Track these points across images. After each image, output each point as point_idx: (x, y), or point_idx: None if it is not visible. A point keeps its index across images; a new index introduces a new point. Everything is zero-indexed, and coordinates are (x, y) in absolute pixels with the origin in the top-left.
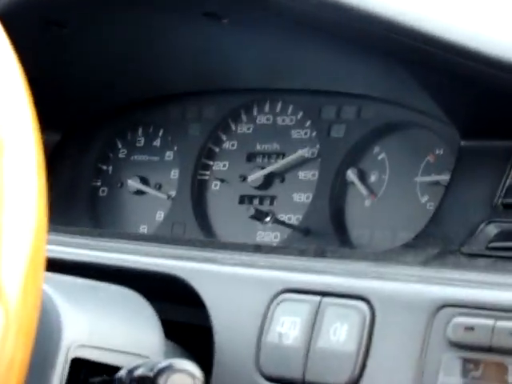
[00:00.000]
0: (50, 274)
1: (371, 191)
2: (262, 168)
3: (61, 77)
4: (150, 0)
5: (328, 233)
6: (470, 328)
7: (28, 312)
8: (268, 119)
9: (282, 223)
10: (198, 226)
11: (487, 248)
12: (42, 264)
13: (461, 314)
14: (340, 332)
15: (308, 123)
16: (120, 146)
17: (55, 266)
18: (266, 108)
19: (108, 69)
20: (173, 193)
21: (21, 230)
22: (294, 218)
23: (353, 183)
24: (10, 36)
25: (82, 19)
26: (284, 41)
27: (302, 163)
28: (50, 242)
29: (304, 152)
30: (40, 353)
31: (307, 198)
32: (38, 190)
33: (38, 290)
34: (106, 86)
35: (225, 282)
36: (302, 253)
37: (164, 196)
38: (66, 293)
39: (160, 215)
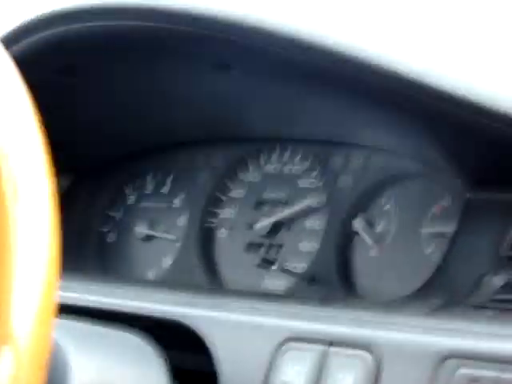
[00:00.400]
0: (58, 320)
1: (377, 241)
2: (270, 215)
3: (70, 125)
4: (157, 49)
5: (334, 282)
6: (475, 380)
7: (38, 359)
8: (275, 168)
9: (288, 271)
10: (204, 273)
11: (492, 300)
12: (53, 310)
13: (466, 366)
14: (346, 382)
15: (315, 172)
16: (129, 192)
17: (63, 311)
18: (274, 157)
19: (119, 117)
20: (180, 239)
21: (33, 276)
22: (299, 267)
23: (359, 233)
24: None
25: (91, 68)
26: (292, 90)
27: (308, 212)
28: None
29: (311, 201)
30: None
31: (313, 246)
32: (51, 235)
33: (48, 336)
34: (117, 133)
35: (230, 329)
36: (307, 301)
37: (171, 242)
38: (73, 339)
39: (167, 261)
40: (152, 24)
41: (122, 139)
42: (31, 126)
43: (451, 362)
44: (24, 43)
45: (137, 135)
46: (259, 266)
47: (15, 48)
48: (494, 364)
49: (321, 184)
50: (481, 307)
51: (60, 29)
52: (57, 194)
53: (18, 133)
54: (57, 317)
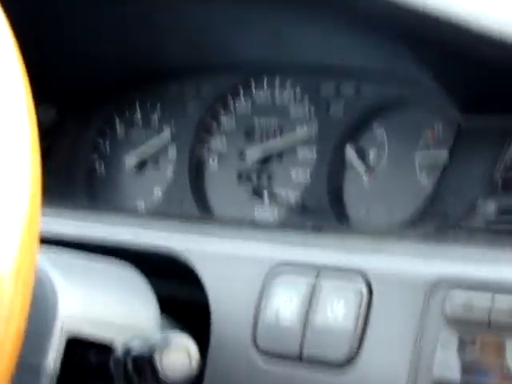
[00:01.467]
0: (45, 249)
1: (369, 169)
2: (261, 145)
3: (57, 52)
4: None
5: (326, 210)
6: (468, 304)
7: (22, 285)
8: (266, 97)
9: (280, 201)
10: (195, 203)
11: (486, 223)
12: (37, 237)
13: (458, 291)
14: (337, 308)
15: (306, 100)
16: (118, 123)
17: (51, 240)
18: (264, 85)
19: (106, 44)
20: (170, 170)
21: (16, 204)
22: (291, 196)
23: (351, 160)
24: (5, 8)
25: None
26: (281, 15)
27: (299, 141)
28: (46, 217)
29: (302, 131)
30: (36, 327)
31: (305, 176)
32: (32, 161)
33: (33, 263)
34: (104, 61)
35: (222, 257)
36: (298, 229)
37: (162, 173)
38: (61, 267)
39: (158, 192)
40: None
41: (109, 68)
42: (10, 56)
43: (444, 287)
44: None
45: (124, 64)
46: (251, 196)
47: None
48: (487, 288)
49: (312, 113)
50: (473, 231)
51: None
52: (42, 124)
53: None
54: (44, 245)
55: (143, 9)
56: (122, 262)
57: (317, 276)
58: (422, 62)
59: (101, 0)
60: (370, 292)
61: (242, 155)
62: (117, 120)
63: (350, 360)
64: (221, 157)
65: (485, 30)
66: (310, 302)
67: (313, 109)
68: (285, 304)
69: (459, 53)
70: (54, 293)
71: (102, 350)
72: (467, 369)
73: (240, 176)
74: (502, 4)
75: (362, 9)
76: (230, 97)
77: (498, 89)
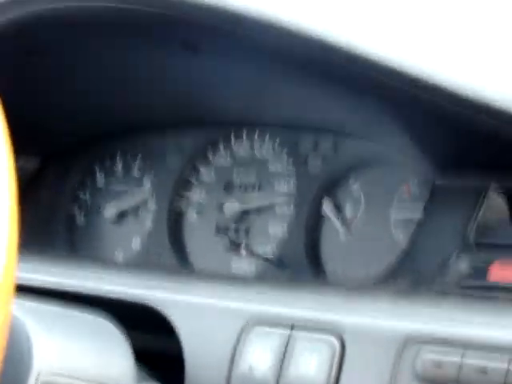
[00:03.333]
0: (21, 301)
1: (346, 225)
2: (239, 199)
3: (40, 104)
4: (126, 29)
5: (302, 265)
6: (438, 364)
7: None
8: (245, 152)
9: (257, 255)
10: (174, 256)
11: (458, 286)
12: (12, 291)
13: (429, 350)
14: (310, 362)
15: (285, 157)
16: (98, 174)
17: (27, 292)
18: (244, 140)
19: (88, 98)
20: (149, 222)
21: None
22: (268, 250)
23: (328, 217)
24: None
25: (61, 49)
26: (260, 74)
27: (278, 195)
28: (24, 268)
29: (280, 186)
30: (10, 378)
31: (282, 230)
32: (9, 214)
33: (7, 316)
34: (86, 115)
35: (197, 312)
36: (274, 285)
37: (141, 225)
38: (37, 319)
39: (136, 243)
40: (122, 5)
41: (91, 121)
42: None
43: (415, 346)
44: None
45: (106, 117)
46: (228, 249)
47: None
48: (457, 348)
49: (290, 167)
50: (445, 289)
51: (28, 8)
52: (23, 176)
53: None
54: (20, 297)
55: (125, 64)
56: (99, 312)
57: (291, 330)
58: (398, 122)
59: (84, 55)
60: (343, 347)
61: (220, 208)
62: (97, 171)
63: None
64: (200, 209)
65: (461, 92)
66: (284, 355)
67: (291, 163)
68: (259, 357)
69: (435, 114)
70: (29, 344)
71: None
72: None
73: (218, 228)
74: (475, 65)
75: (339, 69)
76: (209, 150)
77: (472, 149)
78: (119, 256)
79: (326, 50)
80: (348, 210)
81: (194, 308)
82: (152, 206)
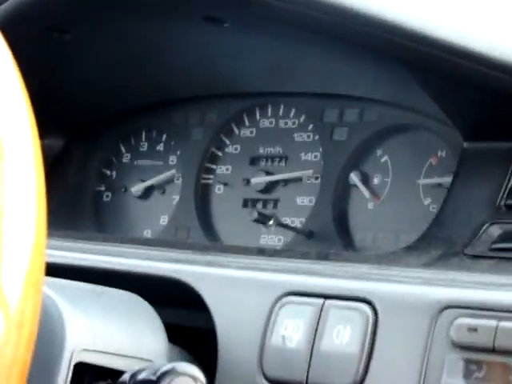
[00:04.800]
0: (53, 279)
1: (374, 194)
2: (266, 171)
3: (63, 82)
4: (148, 3)
5: (331, 236)
6: (473, 329)
7: (29, 316)
8: (271, 123)
9: (285, 226)
10: (201, 230)
11: (490, 249)
12: (43, 268)
13: (463, 315)
14: (343, 334)
15: (310, 126)
16: (123, 150)
17: (59, 271)
18: (269, 112)
19: (110, 74)
20: (176, 197)
21: (21, 234)
22: (297, 222)
23: (356, 186)
24: (12, 43)
25: (83, 25)
26: (285, 44)
27: (304, 167)
28: (53, 248)
29: (306, 158)
30: (44, 357)
31: (310, 201)
32: (37, 193)
33: (39, 293)
34: (109, 91)
35: (228, 285)
36: (304, 256)
37: (168, 200)
38: (69, 297)
39: (164, 219)
40: None
41: (115, 97)
42: (15, 87)
43: (449, 312)
44: (14, 0)
45: (130, 93)
46: (256, 221)
47: (5, 5)
48: (492, 313)
49: (316, 138)
50: (479, 257)
51: None
52: (49, 154)
53: (1, 95)
54: (52, 276)
55: (148, 39)
56: (129, 292)
57: (323, 303)
58: (425, 89)
59: (106, 31)
60: (376, 318)
61: (247, 180)
62: (122, 149)
63: None
64: (226, 184)
65: (488, 53)
66: (316, 328)
67: (317, 133)
68: (291, 330)
69: (463, 80)
70: (62, 323)
71: (110, 377)
72: None
73: (246, 203)
74: (501, 26)
75: (366, 37)
76: (234, 122)
77: (501, 116)
78: (147, 233)
79: (352, 16)
80: (376, 179)
81: (224, 281)
82: (178, 180)
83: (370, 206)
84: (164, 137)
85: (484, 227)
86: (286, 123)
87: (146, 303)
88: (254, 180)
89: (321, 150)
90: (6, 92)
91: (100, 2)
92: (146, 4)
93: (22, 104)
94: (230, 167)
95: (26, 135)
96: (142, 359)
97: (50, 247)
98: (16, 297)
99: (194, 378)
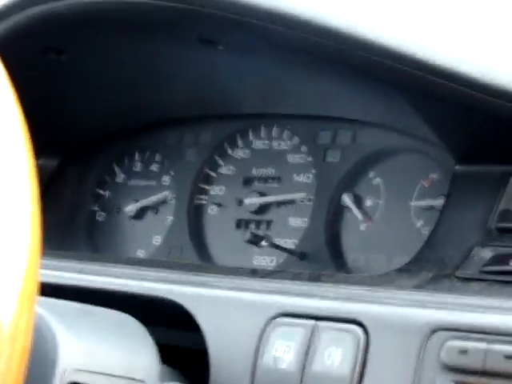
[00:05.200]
0: (46, 299)
1: (366, 216)
2: (259, 192)
3: (59, 103)
4: (144, 24)
5: (324, 257)
6: (464, 351)
7: (22, 329)
8: (264, 144)
9: (278, 247)
10: (194, 250)
11: (481, 272)
12: (37, 281)
13: (454, 338)
14: (334, 356)
15: (304, 148)
16: (117, 171)
17: (52, 290)
18: (262, 133)
19: (106, 95)
20: (170, 217)
21: (15, 247)
22: (290, 243)
23: (348, 208)
24: (7, 62)
25: (79, 45)
26: (279, 66)
27: (297, 189)
28: (47, 267)
29: (300, 179)
30: (36, 376)
31: (303, 222)
32: (31, 213)
33: (32, 307)
34: (104, 111)
35: (220, 305)
36: (297, 277)
37: (161, 220)
38: (62, 317)
39: (157, 240)
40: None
41: (110, 117)
42: (10, 107)
43: (440, 334)
44: (12, 20)
45: (124, 113)
46: (249, 242)
47: (1, 25)
48: (482, 335)
49: (309, 160)
50: (470, 280)
51: (47, 6)
52: (43, 175)
53: None
54: (44, 295)
55: (143, 60)
56: (122, 312)
57: (314, 324)
58: (417, 112)
59: (100, 52)
60: (367, 340)
61: (240, 201)
62: (116, 169)
63: None
64: (220, 204)
65: (479, 78)
66: (308, 349)
67: (310, 155)
68: (282, 352)
69: (455, 103)
70: (54, 343)
71: None
72: None
73: (239, 223)
74: (492, 50)
75: (359, 61)
76: (228, 143)
77: (493, 139)
78: (141, 253)
79: (344, 40)
80: (368, 201)
81: (217, 302)
82: (172, 201)
83: (363, 227)
84: (158, 157)
85: (475, 250)
86: (279, 144)
87: (138, 323)
88: (247, 201)
89: (314, 171)
90: (1, 112)
91: (95, 23)
92: (141, 25)
93: (17, 123)
94: (223, 188)
95: (21, 155)
96: (134, 379)
97: (43, 267)
98: (10, 310)
99: None
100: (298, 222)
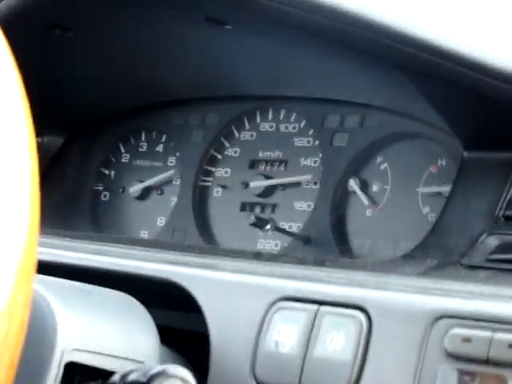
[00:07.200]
0: (46, 278)
1: (373, 201)
2: (265, 175)
3: (64, 81)
4: (151, 2)
5: (328, 242)
6: (467, 339)
7: (19, 306)
8: (271, 127)
9: (283, 231)
10: (198, 233)
11: (487, 260)
12: (35, 257)
13: (458, 326)
14: (337, 341)
15: (311, 131)
16: (123, 150)
17: (52, 269)
18: (270, 115)
19: (111, 74)
20: (174, 199)
21: (13, 223)
22: (294, 226)
23: (354, 193)
24: (12, 40)
25: (85, 23)
26: (287, 48)
27: (304, 172)
28: (48, 246)
29: (306, 163)
30: (34, 356)
31: (308, 206)
32: (30, 188)
33: (30, 283)
34: (110, 90)
35: (222, 288)
36: (301, 261)
37: (166, 201)
38: (61, 296)
39: (161, 221)
40: None
41: (116, 96)
42: (13, 85)
43: (444, 322)
44: None
45: (131, 92)
46: (253, 225)
47: (6, 2)
48: (487, 324)
49: (316, 143)
50: (475, 267)
51: None
52: (47, 153)
53: None
54: (45, 274)
55: (150, 39)
56: (123, 292)
57: (317, 309)
58: (426, 97)
59: (107, 29)
60: (370, 325)
61: (246, 184)
62: (122, 149)
63: None
64: (225, 187)
65: (490, 66)
66: (310, 333)
67: (317, 141)
68: (284, 336)
69: (464, 89)
70: (53, 322)
71: (100, 378)
72: None
73: (243, 206)
74: (501, 34)
75: (367, 43)
76: (234, 127)
77: (501, 125)
78: (144, 234)
79: (353, 22)
80: (375, 186)
81: (219, 285)
82: (177, 182)
83: (369, 213)
84: (164, 138)
85: (482, 237)
86: (286, 127)
87: (139, 304)
88: (252, 184)
89: (320, 155)
90: (2, 88)
91: (102, 0)
92: (148, 3)
93: (19, 101)
94: (228, 170)
95: (22, 132)
96: (133, 360)
97: (44, 245)
98: (7, 286)
99: (185, 381)
100: (304, 205)
